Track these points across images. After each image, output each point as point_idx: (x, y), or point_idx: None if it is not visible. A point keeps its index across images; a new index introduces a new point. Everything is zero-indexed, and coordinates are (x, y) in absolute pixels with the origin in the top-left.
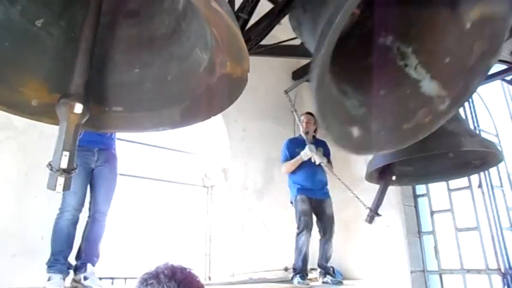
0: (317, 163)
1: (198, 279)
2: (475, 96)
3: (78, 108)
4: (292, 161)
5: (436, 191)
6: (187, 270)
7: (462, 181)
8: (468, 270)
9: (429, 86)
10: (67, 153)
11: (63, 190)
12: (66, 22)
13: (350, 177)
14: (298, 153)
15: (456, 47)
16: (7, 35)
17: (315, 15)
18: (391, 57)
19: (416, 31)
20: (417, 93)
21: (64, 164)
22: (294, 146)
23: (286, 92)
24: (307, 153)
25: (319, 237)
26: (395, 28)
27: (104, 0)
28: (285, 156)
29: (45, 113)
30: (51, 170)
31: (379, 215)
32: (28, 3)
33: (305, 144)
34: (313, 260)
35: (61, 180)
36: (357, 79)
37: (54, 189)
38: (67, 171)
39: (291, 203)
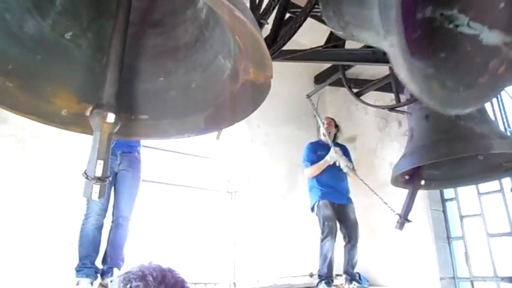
0: (342, 167)
1: (187, 285)
2: (505, 96)
3: (111, 117)
4: (317, 164)
5: (465, 195)
6: (176, 273)
7: (493, 184)
8: (502, 278)
9: (490, 37)
10: (101, 162)
11: (99, 197)
12: (94, 34)
13: (374, 181)
14: (321, 156)
15: None
16: (39, 48)
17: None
18: (438, 25)
19: None
20: (480, 47)
21: (99, 172)
22: (316, 149)
23: (308, 96)
24: (333, 156)
25: (343, 243)
26: None
27: (130, 12)
28: (310, 160)
29: (74, 123)
30: (86, 178)
31: (409, 221)
32: (58, 17)
33: (327, 148)
34: (338, 266)
35: (96, 188)
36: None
37: (90, 197)
38: (102, 179)
39: (312, 209)
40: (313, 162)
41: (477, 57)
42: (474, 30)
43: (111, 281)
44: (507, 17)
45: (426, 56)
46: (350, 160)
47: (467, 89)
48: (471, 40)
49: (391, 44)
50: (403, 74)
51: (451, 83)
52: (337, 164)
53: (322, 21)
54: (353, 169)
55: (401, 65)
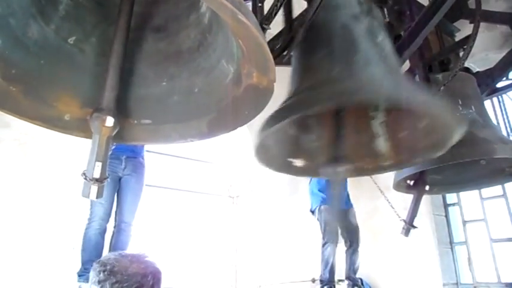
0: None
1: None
2: (507, 101)
3: (110, 121)
4: None
5: (468, 199)
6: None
7: (496, 189)
8: (506, 284)
9: (382, 144)
10: (99, 164)
11: (96, 198)
12: (97, 39)
13: (376, 186)
14: None
15: (415, 131)
16: (42, 53)
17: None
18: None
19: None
20: (370, 143)
21: (97, 174)
22: None
23: None
24: None
25: (344, 248)
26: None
27: (132, 17)
28: None
29: (77, 127)
30: (85, 179)
31: (414, 227)
32: (62, 22)
33: None
34: (340, 272)
35: (94, 188)
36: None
37: (88, 197)
38: (100, 180)
39: (311, 211)
40: None
41: (362, 149)
42: (378, 130)
43: None
44: (401, 142)
45: (327, 129)
46: None
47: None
48: (371, 134)
49: None
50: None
51: (321, 158)
52: None
53: None
54: None
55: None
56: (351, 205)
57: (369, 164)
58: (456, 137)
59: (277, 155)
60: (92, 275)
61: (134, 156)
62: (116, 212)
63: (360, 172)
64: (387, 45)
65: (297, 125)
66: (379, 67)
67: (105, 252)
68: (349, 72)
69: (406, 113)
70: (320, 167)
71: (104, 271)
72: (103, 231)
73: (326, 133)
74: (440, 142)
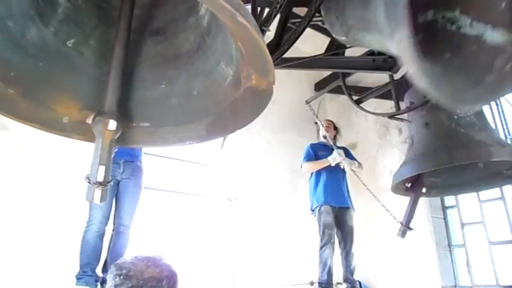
0: (346, 169)
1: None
2: (505, 104)
3: (112, 125)
4: (317, 161)
5: (466, 202)
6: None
7: (494, 192)
8: (504, 287)
9: (494, 36)
10: (103, 167)
11: (100, 201)
12: (96, 41)
13: (375, 189)
14: (322, 156)
15: None
16: (41, 55)
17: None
18: (440, 27)
19: None
20: (484, 46)
21: (100, 177)
22: (317, 150)
23: (307, 102)
24: (336, 158)
25: (339, 249)
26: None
27: (132, 19)
28: (309, 156)
29: (75, 130)
30: (88, 183)
31: (411, 229)
32: (60, 24)
33: (328, 149)
34: (338, 274)
35: (98, 192)
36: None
37: (92, 201)
38: (103, 184)
39: (312, 210)
40: (313, 158)
41: (482, 57)
42: (477, 31)
43: None
44: (510, 16)
45: (430, 58)
46: (354, 158)
47: (475, 87)
48: (475, 40)
49: (399, 39)
50: (413, 68)
51: (459, 82)
52: (341, 167)
53: (321, 31)
54: (359, 165)
55: (410, 59)
56: (352, 206)
57: (506, 62)
58: None
59: None
60: (109, 278)
61: (132, 159)
62: (114, 215)
63: (507, 79)
64: None
65: None
66: None
67: (103, 255)
68: None
69: None
70: None
71: (119, 275)
72: (102, 235)
73: None
74: None
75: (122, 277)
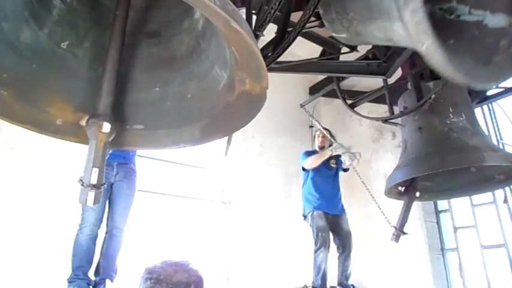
0: (347, 164)
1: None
2: (497, 109)
3: (106, 127)
4: (317, 154)
5: (459, 206)
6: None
7: (486, 196)
8: None
9: (494, 20)
10: (96, 170)
11: (94, 204)
12: (90, 43)
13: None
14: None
15: None
16: (35, 57)
17: None
18: (438, 18)
19: None
20: (486, 30)
21: (94, 180)
22: (313, 154)
23: (302, 105)
24: (338, 148)
25: (337, 254)
26: None
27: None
28: (308, 153)
29: (68, 132)
30: (82, 185)
31: (405, 233)
32: (55, 26)
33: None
34: (332, 278)
35: (91, 195)
36: None
37: (86, 204)
38: (97, 187)
39: (304, 216)
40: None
41: (486, 40)
42: (477, 17)
43: None
44: (507, 1)
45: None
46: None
47: (485, 67)
48: (476, 26)
49: (411, 12)
50: (428, 41)
51: (469, 61)
52: (342, 159)
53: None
54: (359, 155)
55: (425, 32)
56: (344, 211)
57: (509, 46)
58: None
59: None
60: (140, 281)
61: (126, 162)
62: (107, 217)
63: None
64: None
65: None
66: None
67: (96, 258)
68: None
69: None
70: None
71: (150, 279)
72: (94, 237)
73: None
74: None
75: (152, 281)
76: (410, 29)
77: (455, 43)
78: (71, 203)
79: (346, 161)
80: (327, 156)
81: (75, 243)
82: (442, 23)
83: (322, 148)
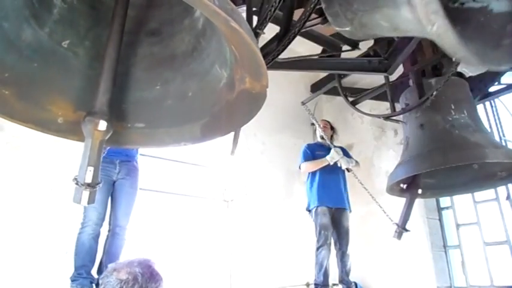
0: (343, 167)
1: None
2: (499, 105)
3: (102, 125)
4: (315, 161)
5: (461, 203)
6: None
7: (488, 193)
8: (499, 287)
9: (500, 6)
10: (92, 169)
11: (88, 203)
12: (91, 42)
13: (371, 190)
14: (319, 156)
15: None
16: (36, 56)
17: None
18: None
19: None
20: (492, 16)
21: (89, 179)
22: (314, 149)
23: (303, 103)
24: (334, 156)
25: (334, 251)
26: None
27: (127, 21)
28: (307, 156)
29: (70, 131)
30: (76, 184)
31: (407, 230)
32: (56, 25)
33: (326, 149)
34: (334, 275)
35: (86, 194)
36: None
37: (80, 203)
38: (92, 186)
39: (308, 210)
40: (310, 158)
41: (493, 25)
42: (481, 3)
43: None
44: None
45: None
46: (351, 157)
47: (493, 50)
48: (481, 12)
49: None
50: (440, 21)
51: (477, 46)
52: (338, 165)
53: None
54: (356, 164)
55: (436, 12)
56: (349, 207)
57: None
58: None
59: None
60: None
61: (128, 160)
62: (110, 216)
63: None
64: None
65: None
66: None
67: (99, 256)
68: None
69: None
70: None
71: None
72: (96, 236)
73: None
74: None
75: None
76: (420, 11)
77: (461, 30)
78: (73, 201)
79: (342, 164)
80: (323, 165)
81: (77, 242)
82: (446, 10)
83: (323, 138)
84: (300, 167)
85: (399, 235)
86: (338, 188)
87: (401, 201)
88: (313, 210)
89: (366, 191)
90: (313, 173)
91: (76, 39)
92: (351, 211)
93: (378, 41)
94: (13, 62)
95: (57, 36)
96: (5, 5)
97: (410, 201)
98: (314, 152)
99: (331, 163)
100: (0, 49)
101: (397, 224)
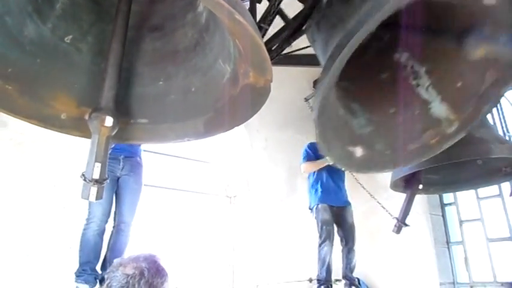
0: (344, 168)
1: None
2: (503, 101)
3: (109, 121)
4: (316, 162)
5: (465, 199)
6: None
7: (492, 189)
8: (502, 283)
9: (439, 108)
10: (99, 165)
11: (96, 199)
12: (94, 38)
13: (374, 185)
14: (321, 157)
15: (468, 73)
16: (39, 52)
17: (327, 36)
18: (405, 75)
19: (431, 52)
20: (426, 114)
21: (96, 175)
22: (316, 149)
23: (306, 99)
24: None
25: (341, 247)
26: (412, 46)
27: (130, 16)
28: (308, 156)
29: (73, 126)
30: (84, 180)
31: (406, 225)
32: (58, 21)
33: None
34: (337, 271)
35: (94, 190)
36: (367, 95)
37: (88, 199)
38: (99, 182)
39: (310, 209)
40: (312, 159)
41: (419, 124)
42: (429, 96)
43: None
44: (459, 96)
45: (376, 109)
46: None
47: (393, 152)
48: (422, 105)
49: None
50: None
51: (380, 145)
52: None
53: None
54: None
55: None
56: (349, 203)
57: (434, 137)
58: None
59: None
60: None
61: (132, 156)
62: (115, 212)
63: (428, 151)
64: None
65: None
66: None
67: (103, 252)
68: None
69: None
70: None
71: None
72: (101, 232)
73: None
74: (505, 70)
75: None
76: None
77: (393, 114)
78: (77, 197)
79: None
80: (323, 165)
81: (82, 238)
82: (403, 82)
83: None
84: (301, 167)
85: (398, 229)
86: (339, 187)
87: (404, 197)
88: (314, 208)
89: (365, 190)
90: (314, 173)
91: (79, 34)
92: (350, 205)
93: None
94: (16, 57)
95: (60, 31)
96: (8, 0)
97: (410, 197)
98: (316, 151)
99: (331, 163)
100: (3, 44)
101: (396, 219)
